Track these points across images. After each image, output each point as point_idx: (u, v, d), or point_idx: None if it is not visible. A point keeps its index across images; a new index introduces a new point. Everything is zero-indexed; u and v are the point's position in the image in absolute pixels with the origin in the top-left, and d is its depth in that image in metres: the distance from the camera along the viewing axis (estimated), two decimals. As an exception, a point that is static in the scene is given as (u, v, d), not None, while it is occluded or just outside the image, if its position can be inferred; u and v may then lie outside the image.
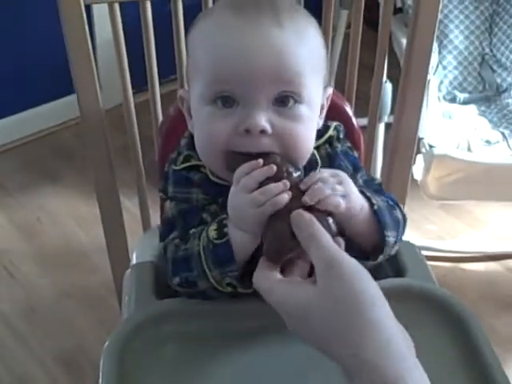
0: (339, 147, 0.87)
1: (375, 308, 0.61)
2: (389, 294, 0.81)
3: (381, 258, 0.80)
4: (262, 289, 0.68)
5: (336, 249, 0.65)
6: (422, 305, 0.82)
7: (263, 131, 0.73)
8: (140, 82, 1.19)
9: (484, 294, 1.71)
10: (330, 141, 0.87)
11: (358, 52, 1.15)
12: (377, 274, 0.94)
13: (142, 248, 1.02)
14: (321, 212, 0.69)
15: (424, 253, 0.98)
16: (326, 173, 0.74)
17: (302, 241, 0.66)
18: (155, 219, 1.22)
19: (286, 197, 0.70)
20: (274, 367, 0.77)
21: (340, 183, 0.73)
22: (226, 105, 0.75)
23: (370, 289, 0.63)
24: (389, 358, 0.59)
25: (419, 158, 1.58)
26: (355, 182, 0.85)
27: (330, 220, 0.69)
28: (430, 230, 1.90)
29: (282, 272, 0.69)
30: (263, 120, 0.73)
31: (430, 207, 1.91)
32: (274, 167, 0.71)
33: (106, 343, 0.78)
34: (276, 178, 0.71)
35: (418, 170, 1.58)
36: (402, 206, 0.85)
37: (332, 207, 0.70)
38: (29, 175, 2.14)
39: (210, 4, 1.08)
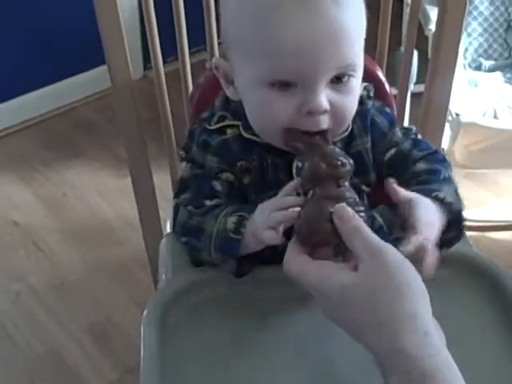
0: (370, 104, 0.88)
1: (416, 301, 0.61)
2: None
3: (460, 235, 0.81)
4: (293, 271, 0.68)
5: (381, 241, 0.65)
6: (457, 267, 0.83)
7: (325, 111, 0.75)
8: (165, 53, 1.18)
9: (510, 263, 1.70)
10: (360, 100, 0.86)
11: (389, 19, 1.13)
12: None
13: (176, 216, 1.03)
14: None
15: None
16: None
17: (345, 232, 0.66)
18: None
19: None
20: (315, 332, 0.77)
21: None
22: (284, 88, 0.74)
23: (413, 281, 0.63)
24: (426, 349, 0.59)
25: (446, 127, 1.57)
26: (393, 136, 0.87)
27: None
28: (456, 200, 1.88)
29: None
30: (325, 100, 0.74)
31: (456, 176, 1.89)
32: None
33: (146, 310, 0.79)
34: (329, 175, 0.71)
35: (444, 138, 1.57)
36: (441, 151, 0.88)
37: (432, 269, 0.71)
38: (52, 150, 2.15)
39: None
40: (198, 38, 1.19)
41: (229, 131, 0.84)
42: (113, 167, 2.06)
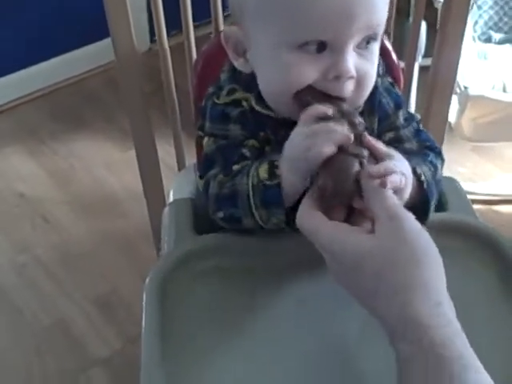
0: (379, 82, 0.86)
1: (431, 268, 0.61)
2: (430, 227, 0.81)
3: None
4: (307, 228, 0.67)
5: (401, 206, 0.64)
6: (463, 237, 0.82)
7: (351, 77, 0.73)
8: (169, 26, 1.18)
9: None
10: None
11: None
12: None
13: (178, 185, 1.03)
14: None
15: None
16: (396, 158, 0.73)
17: (368, 190, 0.65)
18: (189, 160, 1.22)
19: (344, 137, 0.69)
20: (318, 304, 0.77)
21: (403, 175, 0.72)
22: (317, 51, 0.73)
23: (430, 249, 0.62)
24: (437, 318, 0.58)
25: (453, 100, 1.56)
26: (396, 119, 0.85)
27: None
28: (462, 173, 1.88)
29: None
30: (352, 66, 0.73)
31: (461, 150, 1.90)
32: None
33: (148, 278, 0.79)
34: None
35: (452, 111, 1.55)
36: (440, 147, 0.85)
37: (393, 185, 0.69)
38: (59, 122, 2.15)
39: None
40: (204, 11, 1.17)
41: (244, 103, 0.82)
42: (118, 139, 2.05)
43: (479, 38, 1.81)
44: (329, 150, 0.68)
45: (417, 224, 0.63)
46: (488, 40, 1.81)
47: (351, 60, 0.73)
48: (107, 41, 1.09)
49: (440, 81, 1.15)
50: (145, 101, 1.14)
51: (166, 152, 1.36)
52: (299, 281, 0.80)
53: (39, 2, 2.11)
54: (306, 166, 0.71)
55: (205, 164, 0.83)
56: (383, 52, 0.94)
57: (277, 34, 0.74)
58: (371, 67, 0.76)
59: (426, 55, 1.62)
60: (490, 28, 1.84)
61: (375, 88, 0.84)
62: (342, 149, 0.69)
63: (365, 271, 0.61)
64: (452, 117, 1.56)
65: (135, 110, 1.14)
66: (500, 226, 1.68)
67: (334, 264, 0.65)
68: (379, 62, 0.86)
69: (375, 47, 0.76)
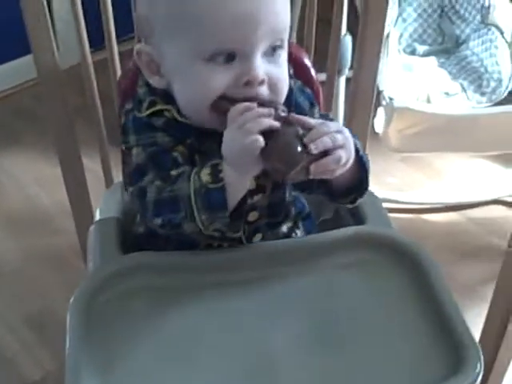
0: (292, 84, 0.88)
1: None
2: (349, 241, 0.83)
3: (359, 201, 0.84)
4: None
5: None
6: (381, 251, 0.84)
7: (262, 81, 0.76)
8: (96, 41, 1.18)
9: (444, 243, 1.74)
10: None
11: (316, 3, 1.15)
12: (338, 222, 0.97)
13: (105, 204, 1.02)
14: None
15: (385, 205, 1.00)
16: (327, 122, 0.76)
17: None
18: (117, 176, 1.21)
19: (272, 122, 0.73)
20: (243, 318, 0.78)
21: (339, 132, 0.75)
22: (222, 61, 0.76)
23: None
24: None
25: (380, 111, 1.60)
26: (313, 116, 0.88)
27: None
28: (391, 183, 1.92)
29: None
30: (262, 71, 0.76)
31: (390, 160, 1.94)
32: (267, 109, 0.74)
33: (72, 298, 0.79)
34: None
35: (378, 122, 1.59)
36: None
37: (334, 162, 0.73)
38: (-11, 137, 2.11)
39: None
40: (128, 27, 1.17)
41: (166, 114, 0.83)
42: (50, 155, 2.01)
43: (404, 51, 1.85)
44: (263, 128, 0.72)
45: None
46: (413, 52, 1.86)
47: (261, 66, 0.76)
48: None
49: (361, 93, 1.19)
50: (70, 116, 1.14)
51: (97, 164, 1.34)
52: (224, 297, 0.80)
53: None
54: (249, 157, 0.73)
55: (137, 173, 0.82)
56: (303, 68, 0.97)
57: (186, 48, 0.76)
58: (281, 72, 0.80)
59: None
60: (415, 40, 1.89)
61: (290, 90, 0.87)
62: (277, 133, 0.72)
63: None
64: (379, 128, 1.59)
65: (60, 125, 1.15)
66: (426, 234, 1.75)
67: None
68: (289, 67, 0.89)
69: (283, 54, 0.79)
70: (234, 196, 0.76)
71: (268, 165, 0.73)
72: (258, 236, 0.89)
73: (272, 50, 0.77)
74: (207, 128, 0.81)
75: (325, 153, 0.73)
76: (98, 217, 0.99)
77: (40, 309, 1.62)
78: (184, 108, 0.81)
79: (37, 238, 1.80)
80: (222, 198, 0.75)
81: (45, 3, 1.01)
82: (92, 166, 1.21)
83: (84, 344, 0.74)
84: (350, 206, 0.86)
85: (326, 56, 1.24)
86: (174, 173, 0.79)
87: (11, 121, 2.18)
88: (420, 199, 1.88)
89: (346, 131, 0.77)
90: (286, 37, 0.79)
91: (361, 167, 0.81)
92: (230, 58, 0.76)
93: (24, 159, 2.04)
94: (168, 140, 0.82)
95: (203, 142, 0.82)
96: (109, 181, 1.25)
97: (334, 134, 0.74)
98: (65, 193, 1.42)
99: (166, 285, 0.81)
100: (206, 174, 0.76)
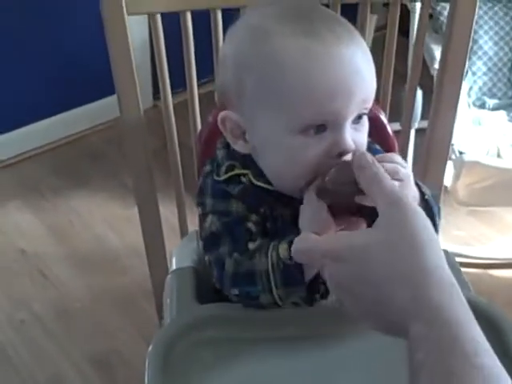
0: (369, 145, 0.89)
1: (434, 247, 0.60)
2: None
3: None
4: (301, 249, 0.67)
5: (398, 188, 0.65)
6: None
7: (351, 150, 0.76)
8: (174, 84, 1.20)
9: (512, 300, 1.70)
10: None
11: (393, 59, 1.16)
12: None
13: (181, 253, 1.04)
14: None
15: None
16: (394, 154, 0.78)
17: (364, 181, 0.66)
18: (192, 225, 1.23)
19: None
20: (314, 375, 0.78)
21: (403, 167, 0.76)
22: (318, 132, 0.76)
23: (430, 228, 0.61)
24: (453, 299, 0.57)
25: (449, 165, 1.59)
26: None
27: None
28: (459, 236, 1.90)
29: None
30: (351, 141, 0.76)
31: (458, 213, 1.91)
32: None
33: (150, 347, 0.80)
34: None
35: (447, 176, 1.58)
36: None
37: (387, 169, 0.70)
38: (61, 178, 2.17)
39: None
40: (207, 69, 1.20)
41: (243, 179, 0.84)
42: (120, 196, 2.08)
43: (474, 104, 1.85)
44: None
45: (415, 204, 0.63)
46: (482, 106, 1.85)
47: (350, 136, 0.76)
48: (109, 98, 1.11)
49: (435, 145, 1.18)
50: (149, 159, 1.15)
51: (170, 212, 1.38)
52: (299, 353, 0.80)
53: (42, 59, 2.16)
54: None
55: (211, 241, 0.84)
56: (377, 123, 0.98)
57: (277, 120, 0.76)
58: (364, 137, 0.80)
59: (422, 118, 1.66)
60: (484, 94, 1.88)
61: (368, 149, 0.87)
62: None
63: (377, 258, 0.60)
64: (448, 181, 1.58)
65: (139, 168, 1.15)
66: (493, 290, 1.71)
67: (335, 268, 0.63)
68: None
69: (366, 119, 0.80)
70: (310, 270, 0.77)
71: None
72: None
73: (358, 118, 0.78)
74: (282, 193, 0.82)
75: None
76: (174, 265, 1.01)
77: (105, 347, 1.65)
78: (273, 179, 0.82)
79: (105, 278, 1.84)
80: (300, 274, 0.76)
81: (131, 49, 1.04)
82: (163, 212, 1.23)
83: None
84: None
85: (394, 107, 1.25)
86: (251, 246, 0.80)
87: (83, 162, 2.25)
88: (489, 254, 1.85)
89: (409, 170, 0.78)
90: (371, 104, 0.79)
91: (428, 211, 0.79)
92: (321, 129, 0.76)
93: (93, 200, 2.10)
94: (242, 209, 0.83)
95: (276, 208, 0.84)
96: (184, 228, 1.26)
97: (399, 166, 0.75)
98: (134, 234, 1.44)
99: (241, 337, 0.81)
100: (284, 250, 0.77)
